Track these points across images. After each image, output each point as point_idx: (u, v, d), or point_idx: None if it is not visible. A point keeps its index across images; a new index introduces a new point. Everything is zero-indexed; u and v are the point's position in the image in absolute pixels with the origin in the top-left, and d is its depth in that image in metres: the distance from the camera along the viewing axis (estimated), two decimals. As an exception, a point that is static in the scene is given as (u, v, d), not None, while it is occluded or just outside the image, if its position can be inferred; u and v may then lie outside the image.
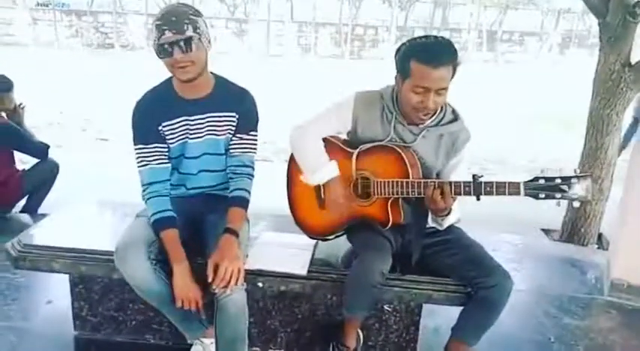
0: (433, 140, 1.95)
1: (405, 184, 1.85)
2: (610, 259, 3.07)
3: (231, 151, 2.05)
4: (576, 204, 1.69)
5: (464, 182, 1.76)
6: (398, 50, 1.88)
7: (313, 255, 2.13)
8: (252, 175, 2.06)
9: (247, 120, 2.04)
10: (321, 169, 1.99)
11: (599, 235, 3.86)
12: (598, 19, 3.60)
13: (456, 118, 1.97)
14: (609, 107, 3.56)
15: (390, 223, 1.94)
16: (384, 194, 1.91)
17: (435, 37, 1.87)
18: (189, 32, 1.80)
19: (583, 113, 3.78)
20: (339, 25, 23.43)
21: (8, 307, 2.52)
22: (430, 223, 1.96)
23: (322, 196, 2.07)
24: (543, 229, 4.09)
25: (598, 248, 3.77)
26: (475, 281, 1.89)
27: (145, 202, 1.98)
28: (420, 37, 1.87)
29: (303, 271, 2.03)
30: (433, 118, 1.94)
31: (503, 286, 1.85)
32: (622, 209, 3.03)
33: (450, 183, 1.79)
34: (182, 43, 1.79)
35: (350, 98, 2.01)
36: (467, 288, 1.96)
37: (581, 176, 1.64)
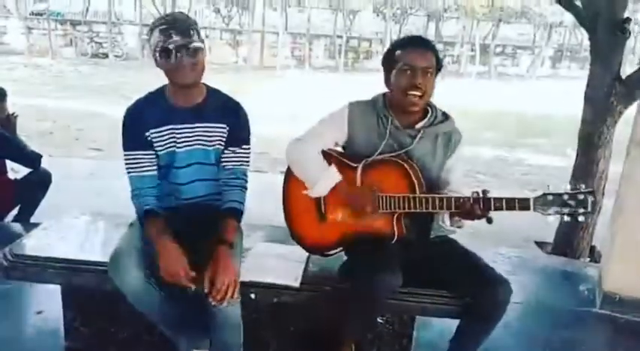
0: (429, 142, 2.00)
1: (413, 199, 1.86)
2: (602, 272, 3.09)
3: (223, 164, 2.05)
4: (581, 218, 1.73)
5: (474, 198, 1.78)
6: (384, 54, 2.03)
7: (306, 267, 2.13)
8: (246, 187, 2.05)
9: (239, 133, 2.05)
10: (323, 178, 1.97)
11: (592, 248, 3.88)
12: (589, 33, 3.65)
13: (447, 117, 2.04)
14: (600, 121, 3.60)
15: (396, 237, 1.94)
16: (391, 209, 1.91)
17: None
18: (195, 38, 1.86)
19: (574, 126, 3.82)
20: (333, 37, 23.56)
21: (-3, 317, 2.49)
22: (448, 226, 1.95)
23: (323, 210, 2.06)
24: (537, 242, 4.11)
25: (590, 261, 3.79)
26: (475, 292, 1.89)
27: (133, 201, 2.00)
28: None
29: (296, 283, 2.02)
30: (426, 119, 1.99)
31: (503, 296, 1.86)
32: (614, 222, 3.05)
33: (461, 199, 1.80)
34: (189, 48, 1.85)
35: (344, 108, 2.04)
36: (460, 300, 1.95)
37: (586, 192, 1.70)
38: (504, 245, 3.75)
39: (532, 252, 3.95)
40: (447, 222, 1.93)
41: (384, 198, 1.91)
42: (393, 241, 1.95)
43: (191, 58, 1.86)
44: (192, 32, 1.86)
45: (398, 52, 1.96)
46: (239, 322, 1.89)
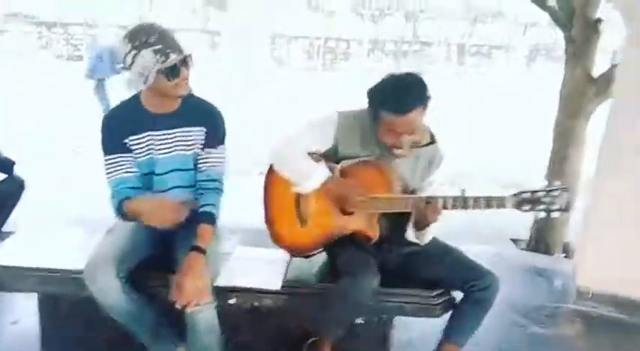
0: (410, 160, 1.99)
1: (391, 200, 1.89)
2: (575, 268, 3.14)
3: (199, 165, 2.04)
4: (556, 214, 1.77)
5: (453, 197, 1.81)
6: (369, 92, 1.90)
7: (287, 270, 2.13)
8: (221, 190, 2.04)
9: (215, 134, 2.05)
10: (314, 174, 1.97)
11: (566, 244, 3.94)
12: (563, 32, 3.72)
13: (432, 141, 2.02)
14: (574, 119, 3.66)
15: (376, 237, 1.96)
16: (369, 209, 1.93)
17: (403, 78, 1.86)
18: (183, 48, 1.84)
19: (549, 125, 3.88)
20: (312, 38, 23.58)
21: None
22: (412, 238, 1.99)
23: (302, 212, 2.06)
24: (512, 239, 4.17)
25: (565, 257, 3.85)
26: (469, 284, 1.94)
27: (112, 202, 1.94)
28: (387, 81, 1.88)
29: (277, 286, 2.02)
30: None
31: (494, 285, 1.94)
32: (586, 218, 3.11)
33: (438, 199, 1.83)
34: (187, 61, 1.85)
35: (333, 117, 2.02)
36: (441, 297, 2.00)
37: (562, 189, 1.75)
38: (479, 242, 3.78)
39: (507, 249, 4.00)
40: (411, 234, 1.96)
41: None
42: (372, 243, 1.97)
43: (188, 70, 1.86)
44: (178, 43, 1.84)
45: (383, 112, 1.83)
46: (214, 327, 1.87)
